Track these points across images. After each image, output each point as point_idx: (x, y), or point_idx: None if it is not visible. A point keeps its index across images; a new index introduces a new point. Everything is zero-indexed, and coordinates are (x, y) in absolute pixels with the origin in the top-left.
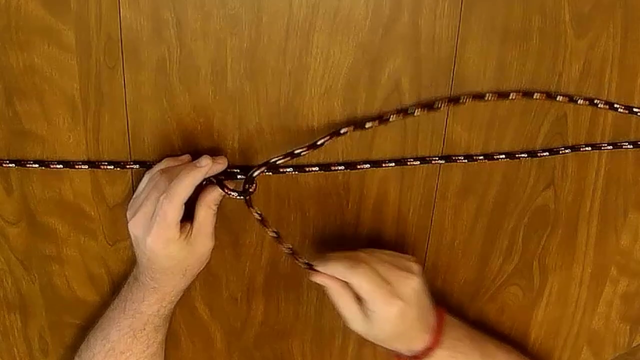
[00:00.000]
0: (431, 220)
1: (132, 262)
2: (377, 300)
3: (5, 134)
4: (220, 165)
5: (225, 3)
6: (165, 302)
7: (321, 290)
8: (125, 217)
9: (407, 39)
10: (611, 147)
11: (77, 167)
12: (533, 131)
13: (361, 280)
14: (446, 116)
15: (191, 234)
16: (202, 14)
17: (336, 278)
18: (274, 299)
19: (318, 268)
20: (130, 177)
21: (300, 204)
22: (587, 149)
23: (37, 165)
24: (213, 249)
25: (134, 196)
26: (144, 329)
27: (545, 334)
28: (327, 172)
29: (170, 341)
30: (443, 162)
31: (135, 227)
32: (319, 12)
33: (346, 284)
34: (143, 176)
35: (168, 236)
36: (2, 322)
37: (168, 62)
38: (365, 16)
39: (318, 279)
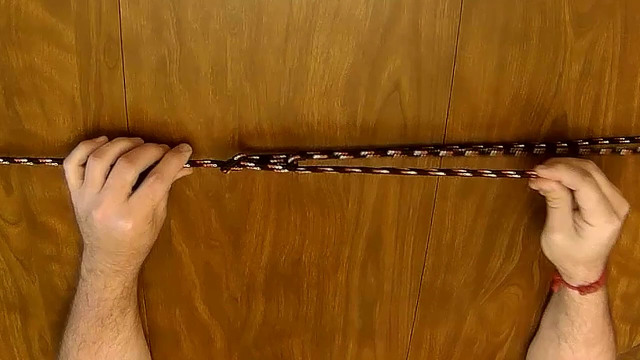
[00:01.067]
0: (431, 220)
1: None
2: (601, 214)
3: (5, 134)
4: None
5: (225, 3)
6: (128, 282)
7: (321, 290)
8: (77, 211)
9: (407, 39)
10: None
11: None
12: (533, 131)
13: (591, 191)
14: (446, 116)
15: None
16: (202, 14)
17: (560, 184)
18: (274, 299)
19: (543, 173)
20: None
21: (300, 204)
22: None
23: (31, 163)
24: (213, 248)
25: (80, 186)
26: (111, 315)
27: None
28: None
29: (170, 341)
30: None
31: (105, 214)
32: (319, 12)
33: (569, 192)
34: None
35: (149, 216)
36: (2, 322)
37: (168, 62)
38: (365, 16)
39: (543, 184)
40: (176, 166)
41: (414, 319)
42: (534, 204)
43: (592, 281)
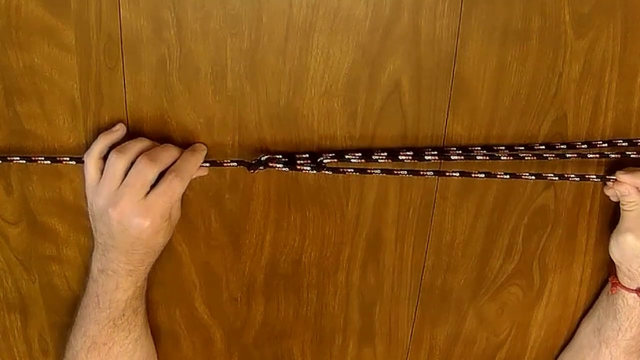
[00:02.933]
0: (431, 220)
1: None
2: None
3: (6, 135)
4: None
5: (225, 3)
6: (140, 282)
7: (321, 290)
8: (92, 207)
9: (407, 39)
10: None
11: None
12: (533, 131)
13: None
14: (446, 116)
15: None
16: (202, 14)
17: (636, 189)
18: (274, 299)
19: (623, 178)
20: None
21: (300, 204)
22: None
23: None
24: (213, 248)
25: (97, 184)
26: (124, 316)
27: (545, 334)
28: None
29: (170, 341)
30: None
31: (122, 212)
32: (319, 12)
33: None
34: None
35: (166, 214)
36: (2, 322)
37: (168, 62)
38: (365, 16)
39: (621, 188)
40: (194, 164)
41: (414, 319)
42: (534, 204)
43: None
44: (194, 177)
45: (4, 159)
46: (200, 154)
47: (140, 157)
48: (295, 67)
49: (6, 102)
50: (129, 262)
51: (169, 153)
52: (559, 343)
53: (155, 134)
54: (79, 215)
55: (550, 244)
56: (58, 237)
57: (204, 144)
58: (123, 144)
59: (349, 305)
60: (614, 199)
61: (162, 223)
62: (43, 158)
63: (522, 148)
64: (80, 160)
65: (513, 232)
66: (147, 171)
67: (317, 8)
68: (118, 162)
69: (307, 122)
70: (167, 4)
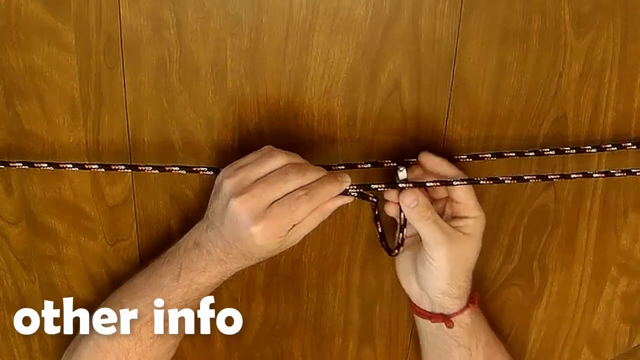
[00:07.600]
0: None
1: (132, 262)
2: None
3: (6, 135)
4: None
5: (225, 3)
6: (226, 276)
7: (321, 290)
8: (218, 180)
9: (407, 39)
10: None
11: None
12: (533, 131)
13: None
14: (446, 116)
15: (291, 231)
16: (202, 14)
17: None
18: (274, 299)
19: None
20: (130, 178)
21: None
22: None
23: (51, 168)
24: None
25: (245, 168)
26: (197, 300)
27: (545, 334)
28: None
29: None
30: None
31: (241, 207)
32: (319, 12)
33: None
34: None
35: (281, 232)
36: (2, 322)
37: (168, 62)
38: (365, 16)
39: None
40: (328, 192)
41: (414, 318)
42: (534, 204)
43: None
44: (334, 207)
45: (6, 164)
46: (341, 184)
47: (290, 164)
48: (295, 67)
49: (6, 102)
50: (224, 252)
51: (316, 174)
52: (559, 343)
53: (155, 134)
54: (79, 215)
55: (550, 244)
56: (58, 237)
57: (348, 177)
58: (287, 152)
59: (349, 305)
60: None
61: (273, 239)
62: (46, 164)
63: (532, 154)
64: (82, 167)
65: (513, 232)
66: (290, 178)
67: (317, 8)
68: (275, 159)
69: (307, 122)
70: (167, 4)
